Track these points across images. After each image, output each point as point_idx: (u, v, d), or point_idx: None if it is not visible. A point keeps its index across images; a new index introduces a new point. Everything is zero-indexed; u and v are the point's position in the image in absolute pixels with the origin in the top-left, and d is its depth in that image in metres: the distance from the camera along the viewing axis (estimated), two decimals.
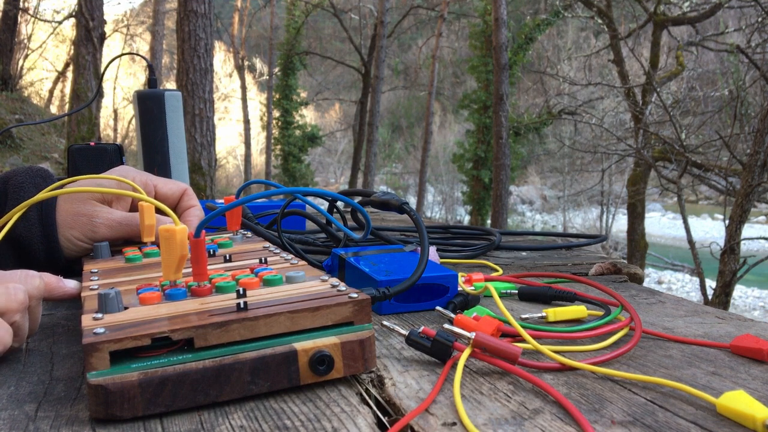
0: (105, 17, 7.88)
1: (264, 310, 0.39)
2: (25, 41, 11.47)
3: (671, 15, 7.11)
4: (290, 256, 0.54)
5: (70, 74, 9.77)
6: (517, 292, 0.64)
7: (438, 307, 0.53)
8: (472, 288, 0.61)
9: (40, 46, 13.23)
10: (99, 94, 8.00)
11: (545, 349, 0.44)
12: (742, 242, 3.79)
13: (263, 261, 0.52)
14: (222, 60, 19.54)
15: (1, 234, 0.54)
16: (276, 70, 14.48)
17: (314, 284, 0.44)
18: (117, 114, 17.27)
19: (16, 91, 9.84)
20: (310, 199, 0.75)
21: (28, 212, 0.61)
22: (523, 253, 0.93)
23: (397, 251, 0.69)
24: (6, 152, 7.86)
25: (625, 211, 8.63)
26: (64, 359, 0.47)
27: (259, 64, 20.03)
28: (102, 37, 7.59)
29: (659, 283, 10.65)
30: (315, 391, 0.40)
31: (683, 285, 10.55)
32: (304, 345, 0.39)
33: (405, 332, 0.45)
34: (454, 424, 0.35)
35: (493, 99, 6.73)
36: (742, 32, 6.36)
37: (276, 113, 14.37)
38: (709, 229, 12.97)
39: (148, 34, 14.56)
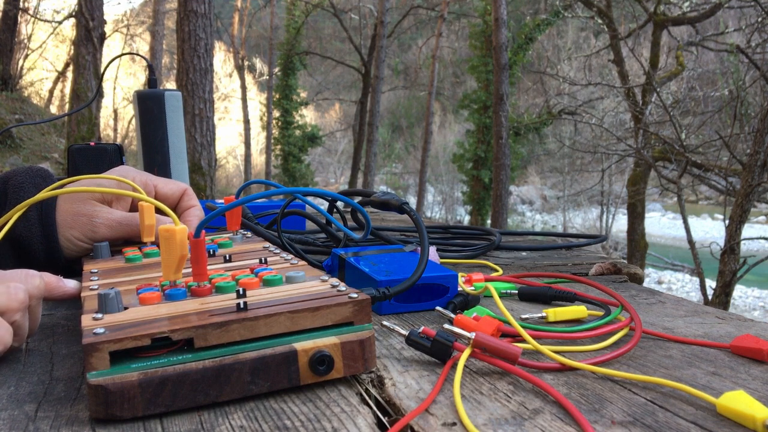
0: (105, 17, 7.88)
1: (264, 310, 0.39)
2: (25, 41, 11.47)
3: (671, 15, 7.11)
4: (290, 256, 0.54)
5: (70, 74, 9.77)
6: (517, 292, 0.64)
7: (438, 307, 0.53)
8: (472, 288, 0.61)
9: (40, 46, 13.24)
10: (99, 94, 8.01)
11: (545, 349, 0.44)
12: (742, 242, 3.79)
13: (263, 261, 0.52)
14: (222, 60, 19.55)
15: (1, 234, 0.54)
16: (276, 70, 14.49)
17: (314, 284, 0.44)
18: (117, 114, 17.27)
19: (16, 91, 9.84)
20: (310, 199, 0.75)
21: (28, 212, 0.61)
22: (523, 253, 0.93)
23: (397, 251, 0.69)
24: (6, 152, 7.86)
25: (625, 211, 8.63)
26: (64, 359, 0.47)
27: (259, 64, 20.03)
28: (102, 37, 7.60)
29: (659, 283, 10.65)
30: (315, 391, 0.40)
31: (683, 285, 10.55)
32: (304, 345, 0.39)
33: (405, 332, 0.45)
34: (454, 424, 0.35)
35: (493, 99, 6.74)
36: (742, 32, 6.36)
37: (276, 113, 14.37)
38: (709, 229, 12.97)
39: (148, 34, 14.56)
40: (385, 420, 0.36)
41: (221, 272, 0.47)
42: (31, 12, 11.69)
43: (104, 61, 7.91)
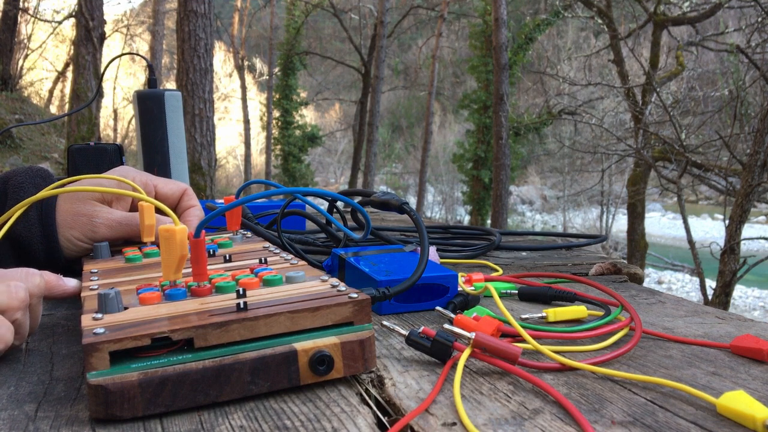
0: (105, 17, 7.88)
1: (264, 310, 0.39)
2: (25, 41, 11.47)
3: (671, 15, 7.11)
4: (290, 256, 0.54)
5: (70, 74, 9.77)
6: (517, 292, 0.64)
7: (438, 307, 0.53)
8: (472, 288, 0.61)
9: (40, 46, 13.23)
10: (99, 94, 8.01)
11: (545, 349, 0.44)
12: (742, 242, 3.79)
13: (263, 261, 0.52)
14: (222, 60, 19.54)
15: (1, 233, 0.54)
16: (276, 70, 14.49)
17: (314, 284, 0.44)
18: (117, 114, 17.27)
19: (16, 91, 9.84)
20: (310, 199, 0.75)
21: (27, 212, 0.61)
22: (523, 253, 0.93)
23: (397, 251, 0.69)
24: (6, 152, 7.86)
25: (625, 211, 8.63)
26: (64, 359, 0.47)
27: (259, 64, 20.03)
28: (102, 37, 7.59)
29: (659, 283, 10.65)
30: (315, 391, 0.40)
31: (683, 285, 10.55)
32: (304, 345, 0.39)
33: (405, 332, 0.45)
34: (454, 424, 0.35)
35: (493, 99, 6.74)
36: (742, 32, 6.36)
37: (276, 113, 14.37)
38: (709, 229, 12.97)
39: (148, 34, 14.56)
40: (385, 420, 0.36)
41: (221, 272, 0.47)
42: (31, 12, 11.69)
43: (104, 61, 7.91)
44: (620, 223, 12.64)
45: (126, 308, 0.40)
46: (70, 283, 0.52)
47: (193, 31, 4.96)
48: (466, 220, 14.07)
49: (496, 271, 0.76)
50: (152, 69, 1.02)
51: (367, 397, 0.39)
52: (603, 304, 0.57)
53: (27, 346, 0.50)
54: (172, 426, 0.35)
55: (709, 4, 6.54)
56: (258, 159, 19.76)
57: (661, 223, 16.46)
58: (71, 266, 0.63)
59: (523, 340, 0.45)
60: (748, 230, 5.14)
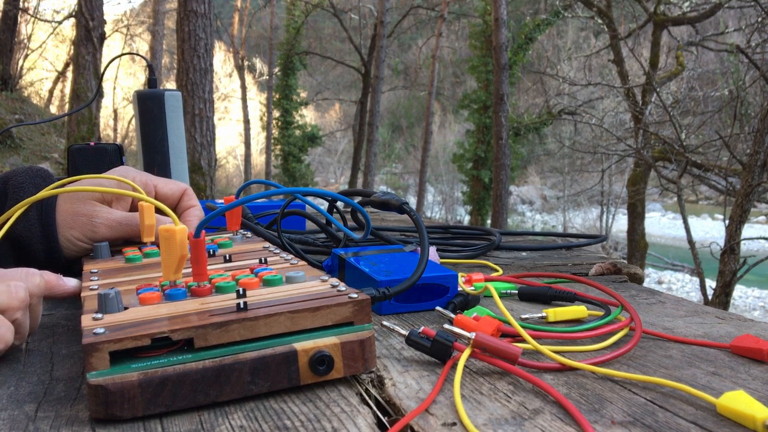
0: (105, 17, 7.88)
1: (264, 310, 0.39)
2: (25, 41, 11.47)
3: (671, 15, 7.11)
4: (290, 256, 0.54)
5: (70, 74, 9.77)
6: (517, 292, 0.64)
7: (438, 307, 0.53)
8: (472, 288, 0.61)
9: (40, 46, 13.23)
10: (99, 94, 8.01)
11: (545, 349, 0.44)
12: (742, 242, 3.79)
13: (263, 261, 0.52)
14: (222, 60, 19.55)
15: (1, 233, 0.54)
16: (276, 70, 14.49)
17: (314, 284, 0.44)
18: (117, 114, 17.27)
19: (16, 91, 9.84)
20: (310, 199, 0.75)
21: (27, 212, 0.61)
22: (523, 253, 0.93)
23: (397, 251, 0.69)
24: (6, 152, 7.86)
25: (625, 211, 8.63)
26: (64, 359, 0.47)
27: (259, 64, 20.03)
28: (102, 37, 7.59)
29: (659, 283, 10.65)
30: (315, 391, 0.40)
31: (683, 285, 10.55)
32: (304, 345, 0.39)
33: (405, 332, 0.45)
34: (454, 424, 0.35)
35: (493, 99, 6.74)
36: (742, 32, 6.36)
37: (276, 113, 14.37)
38: (709, 229, 12.97)
39: (148, 34, 14.56)
40: (385, 420, 0.36)
41: (221, 272, 0.47)
42: (31, 12, 11.69)
43: (104, 61, 7.91)
44: (620, 223, 12.65)
45: (126, 308, 0.40)
46: (70, 283, 0.52)
47: (193, 31, 4.96)
48: (466, 220, 14.07)
49: (496, 271, 0.76)
50: (152, 69, 1.02)
51: (367, 397, 0.39)
52: (603, 304, 0.57)
53: (27, 346, 0.50)
54: (172, 426, 0.35)
55: (709, 4, 6.54)
56: (258, 159, 19.76)
57: (661, 223, 16.46)
58: (71, 266, 0.63)
59: (523, 340, 0.45)
60: (748, 230, 5.14)
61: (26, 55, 11.49)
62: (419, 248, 0.64)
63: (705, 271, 4.61)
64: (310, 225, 1.06)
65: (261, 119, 15.81)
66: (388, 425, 0.35)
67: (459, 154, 12.60)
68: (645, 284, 0.78)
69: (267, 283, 0.44)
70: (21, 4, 10.06)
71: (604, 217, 14.53)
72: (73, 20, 8.65)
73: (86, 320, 0.38)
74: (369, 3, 14.10)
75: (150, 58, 11.04)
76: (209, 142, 5.09)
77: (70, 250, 0.62)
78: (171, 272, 0.43)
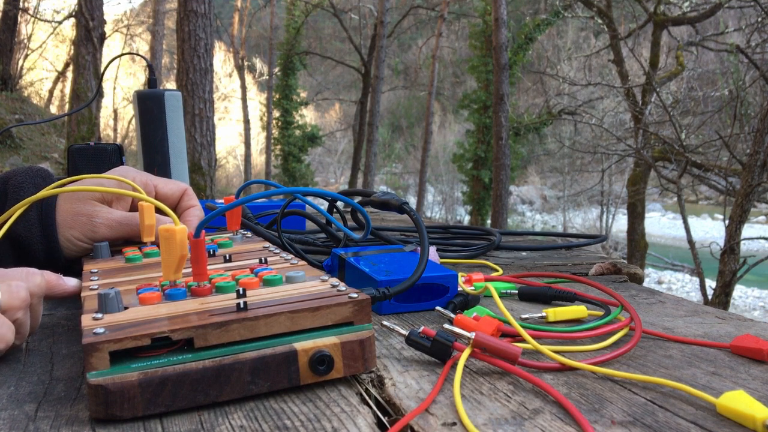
0: (105, 17, 7.88)
1: (264, 310, 0.39)
2: (25, 41, 11.47)
3: (671, 15, 7.11)
4: (290, 256, 0.54)
5: (70, 74, 9.77)
6: (517, 292, 0.64)
7: (438, 307, 0.53)
8: (472, 288, 0.61)
9: (40, 46, 13.23)
10: (99, 94, 8.01)
11: (545, 349, 0.44)
12: (742, 242, 3.79)
13: (263, 261, 0.52)
14: (222, 60, 19.54)
15: (1, 233, 0.54)
16: (276, 70, 14.49)
17: (314, 284, 0.44)
18: (117, 114, 17.27)
19: (16, 91, 9.84)
20: (310, 199, 0.75)
21: (27, 212, 0.61)
22: (523, 253, 0.93)
23: (397, 251, 0.69)
24: (6, 152, 7.86)
25: (625, 211, 8.63)
26: (64, 359, 0.47)
27: (259, 64, 20.03)
28: (102, 37, 7.60)
29: (659, 283, 10.65)
30: (315, 391, 0.40)
31: (683, 285, 10.55)
32: (304, 345, 0.39)
33: (405, 332, 0.45)
34: (454, 424, 0.35)
35: (493, 99, 6.74)
36: (742, 32, 6.36)
37: (276, 113, 14.37)
38: (709, 229, 12.97)
39: (148, 34, 14.56)
40: (385, 420, 0.36)
41: (221, 272, 0.47)
42: (31, 12, 11.69)
43: (104, 61, 7.91)
44: (620, 223, 12.64)
45: (126, 308, 0.40)
46: (71, 282, 0.52)
47: (193, 31, 4.96)
48: (466, 220, 14.07)
49: (496, 271, 0.76)
50: (152, 69, 1.02)
51: (367, 397, 0.39)
52: (603, 304, 0.57)
53: (27, 346, 0.50)
54: (172, 426, 0.35)
55: (709, 4, 6.54)
56: (258, 159, 19.76)
57: (661, 223, 16.46)
58: (71, 266, 0.63)
59: (523, 340, 0.45)
60: (748, 230, 5.15)
61: (26, 55, 11.49)
62: (419, 248, 0.64)
63: (705, 271, 4.61)
64: (310, 225, 1.06)
65: (261, 119, 15.81)
66: (388, 425, 0.35)
67: (459, 154, 12.60)
68: (645, 284, 0.78)
69: (267, 283, 0.44)
70: (21, 4, 10.06)
71: (604, 217, 14.53)
72: (73, 20, 8.65)
73: (86, 320, 0.38)
74: (369, 3, 14.10)
75: (150, 58, 11.04)
76: (209, 142, 5.09)
77: (70, 250, 0.62)
78: (171, 272, 0.43)
